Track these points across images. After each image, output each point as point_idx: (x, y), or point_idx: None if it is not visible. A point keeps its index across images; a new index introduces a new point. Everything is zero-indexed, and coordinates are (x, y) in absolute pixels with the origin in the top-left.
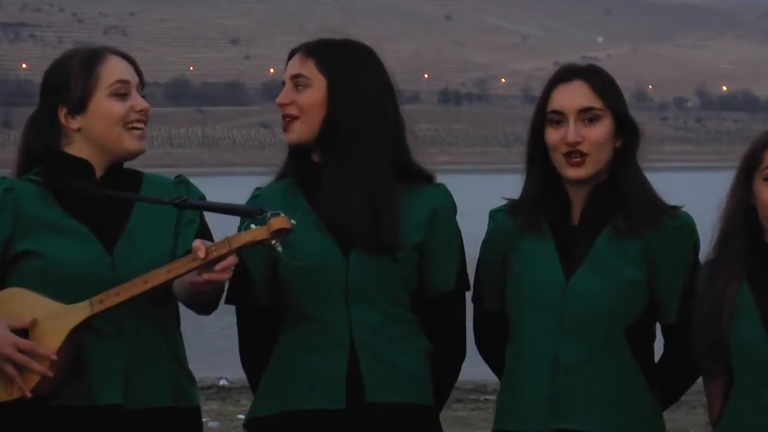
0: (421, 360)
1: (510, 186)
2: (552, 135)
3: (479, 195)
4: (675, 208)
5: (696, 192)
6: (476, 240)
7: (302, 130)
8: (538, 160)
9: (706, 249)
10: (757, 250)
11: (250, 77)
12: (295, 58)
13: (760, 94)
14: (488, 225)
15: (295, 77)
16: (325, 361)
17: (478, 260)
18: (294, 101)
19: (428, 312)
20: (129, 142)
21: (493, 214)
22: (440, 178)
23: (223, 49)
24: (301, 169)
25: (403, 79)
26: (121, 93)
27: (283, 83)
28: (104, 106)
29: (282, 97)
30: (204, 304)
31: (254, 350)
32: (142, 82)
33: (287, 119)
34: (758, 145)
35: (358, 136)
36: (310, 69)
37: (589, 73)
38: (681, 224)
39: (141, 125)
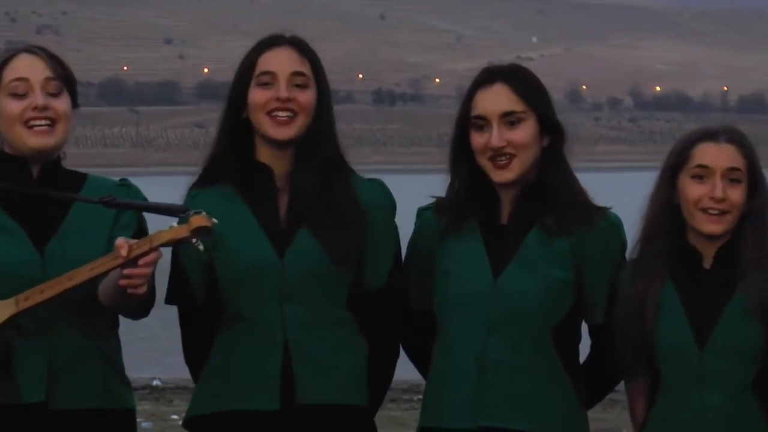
0: (357, 359)
1: (444, 186)
2: (477, 139)
3: (414, 195)
4: (603, 208)
5: (630, 192)
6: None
7: (299, 128)
8: (464, 161)
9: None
10: (681, 249)
11: (185, 77)
12: (288, 54)
13: (694, 95)
14: (415, 223)
15: (296, 74)
16: (260, 361)
17: (405, 258)
18: (295, 98)
19: (365, 309)
20: (29, 138)
21: (421, 213)
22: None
23: (157, 49)
24: (242, 172)
25: (337, 79)
26: (18, 92)
27: (262, 74)
28: (3, 106)
29: (283, 92)
30: (132, 308)
31: (195, 349)
32: (69, 81)
33: (286, 112)
34: (687, 143)
35: (330, 141)
36: (308, 70)
37: (510, 75)
38: (610, 224)
39: (41, 122)
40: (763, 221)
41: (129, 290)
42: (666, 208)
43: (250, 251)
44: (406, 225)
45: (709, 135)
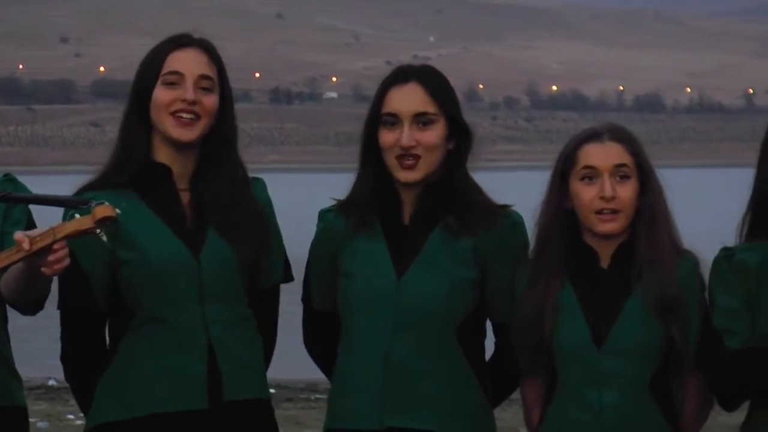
0: (261, 354)
1: (342, 185)
2: (386, 137)
3: (310, 194)
4: (506, 207)
5: (527, 191)
6: (307, 240)
7: (201, 131)
8: (372, 160)
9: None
10: (578, 250)
11: (81, 75)
12: (197, 56)
13: (590, 94)
14: (317, 225)
15: (204, 78)
16: (184, 362)
17: (308, 260)
18: (200, 101)
19: (259, 306)
20: None
21: (323, 214)
22: (271, 177)
23: (53, 47)
24: (139, 172)
25: (234, 77)
26: None
27: (170, 74)
28: None
29: (189, 94)
30: (30, 302)
31: (87, 355)
32: None
33: (189, 114)
34: (572, 146)
35: (233, 146)
36: (214, 74)
37: (423, 75)
38: (512, 223)
39: None
40: (655, 217)
41: (56, 267)
42: (559, 212)
43: (163, 252)
44: (301, 224)
45: (593, 136)
